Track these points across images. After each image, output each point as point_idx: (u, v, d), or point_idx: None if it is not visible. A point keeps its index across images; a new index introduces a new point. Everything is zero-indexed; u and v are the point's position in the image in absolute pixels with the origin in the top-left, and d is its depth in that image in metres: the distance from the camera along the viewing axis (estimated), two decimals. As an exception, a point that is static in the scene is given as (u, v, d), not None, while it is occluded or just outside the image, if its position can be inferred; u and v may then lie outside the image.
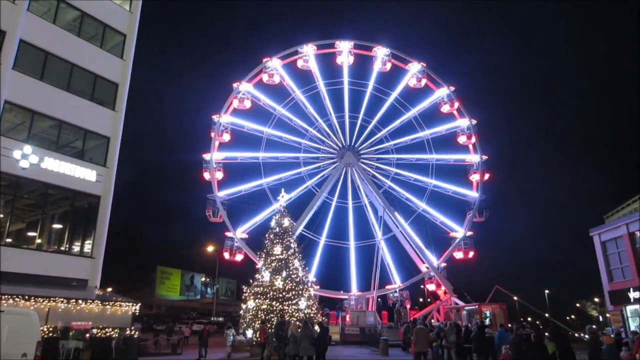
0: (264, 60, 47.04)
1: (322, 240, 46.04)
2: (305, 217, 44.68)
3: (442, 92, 48.48)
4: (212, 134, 44.91)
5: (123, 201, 43.00)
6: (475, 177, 47.03)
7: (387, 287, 45.67)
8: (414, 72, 48.57)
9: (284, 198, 32.08)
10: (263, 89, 47.42)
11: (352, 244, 46.75)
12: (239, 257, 42.57)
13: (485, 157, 47.25)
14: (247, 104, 46.28)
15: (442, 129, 48.62)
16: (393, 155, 48.79)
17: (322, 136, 48.27)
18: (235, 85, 46.35)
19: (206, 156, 44.49)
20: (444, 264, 45.46)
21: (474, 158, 47.54)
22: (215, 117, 45.32)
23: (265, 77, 46.77)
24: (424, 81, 48.55)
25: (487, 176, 47.00)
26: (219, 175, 44.17)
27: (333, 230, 47.29)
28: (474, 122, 47.86)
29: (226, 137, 45.11)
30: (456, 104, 48.29)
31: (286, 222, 29.60)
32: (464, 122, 47.82)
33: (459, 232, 45.93)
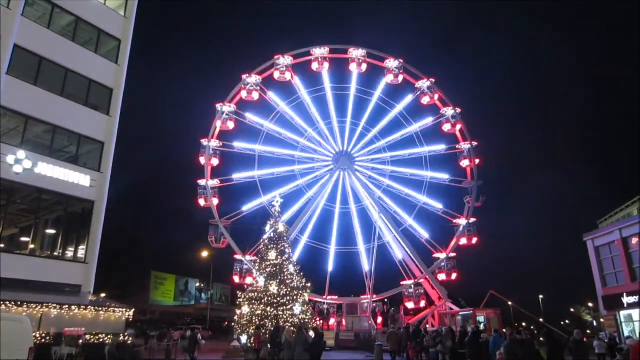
0: (243, 76, 46.32)
1: (332, 249, 45.98)
2: (300, 222, 44.46)
3: (422, 84, 48.41)
4: (202, 159, 44.21)
5: (117, 206, 42.75)
6: (465, 163, 47.05)
7: (401, 283, 45.40)
8: (391, 69, 48.12)
9: (279, 202, 31.95)
10: (247, 106, 46.90)
11: (361, 247, 46.68)
12: (249, 280, 40.79)
13: (475, 143, 47.26)
14: (231, 125, 45.58)
15: (428, 121, 48.74)
16: (386, 154, 48.84)
17: (314, 145, 48.05)
18: (218, 106, 45.68)
19: (201, 182, 43.78)
20: (453, 254, 45.43)
21: (463, 145, 47.45)
22: (204, 141, 44.57)
23: (244, 94, 45.94)
24: (401, 77, 48.33)
25: (477, 161, 46.96)
26: (215, 201, 43.60)
27: (341, 237, 47.37)
28: (458, 110, 48.00)
29: (214, 161, 44.46)
30: (436, 95, 48.34)
31: (281, 227, 29.55)
32: (448, 111, 47.89)
33: (462, 219, 45.90)
